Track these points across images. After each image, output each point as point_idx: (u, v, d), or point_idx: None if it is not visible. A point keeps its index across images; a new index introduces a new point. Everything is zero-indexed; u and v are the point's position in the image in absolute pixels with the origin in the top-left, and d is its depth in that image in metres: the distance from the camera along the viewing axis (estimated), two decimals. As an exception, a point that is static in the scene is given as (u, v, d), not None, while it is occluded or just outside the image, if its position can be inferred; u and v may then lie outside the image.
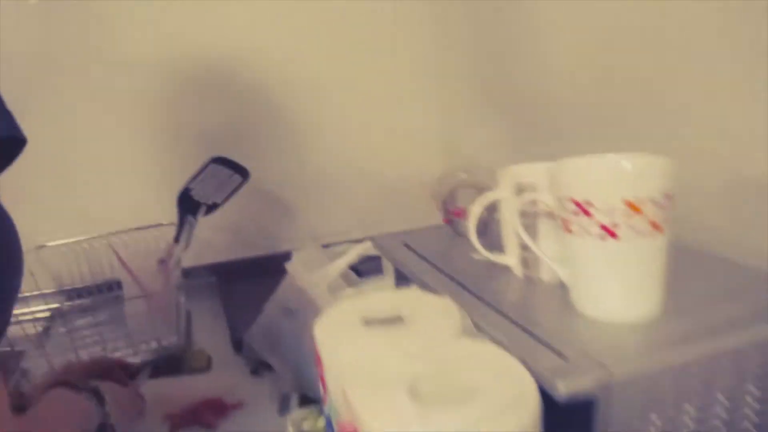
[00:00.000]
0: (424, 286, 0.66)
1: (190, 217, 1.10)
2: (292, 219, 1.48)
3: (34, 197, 1.32)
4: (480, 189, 0.73)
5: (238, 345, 1.07)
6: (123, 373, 0.87)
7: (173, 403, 0.92)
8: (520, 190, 0.62)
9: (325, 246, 1.39)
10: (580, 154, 0.56)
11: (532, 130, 1.20)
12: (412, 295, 0.60)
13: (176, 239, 1.11)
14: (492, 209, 0.69)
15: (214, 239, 1.43)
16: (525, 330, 0.53)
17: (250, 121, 1.43)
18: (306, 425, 0.82)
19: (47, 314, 1.30)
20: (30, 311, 1.25)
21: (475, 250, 0.68)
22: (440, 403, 0.43)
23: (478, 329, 0.54)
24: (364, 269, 0.95)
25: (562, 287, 0.59)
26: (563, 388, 0.46)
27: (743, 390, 0.51)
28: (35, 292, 1.27)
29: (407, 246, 0.79)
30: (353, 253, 0.87)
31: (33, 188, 1.32)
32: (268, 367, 0.99)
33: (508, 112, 1.29)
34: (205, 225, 1.32)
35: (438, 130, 1.54)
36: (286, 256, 1.46)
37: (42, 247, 1.29)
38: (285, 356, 0.98)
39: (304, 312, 0.96)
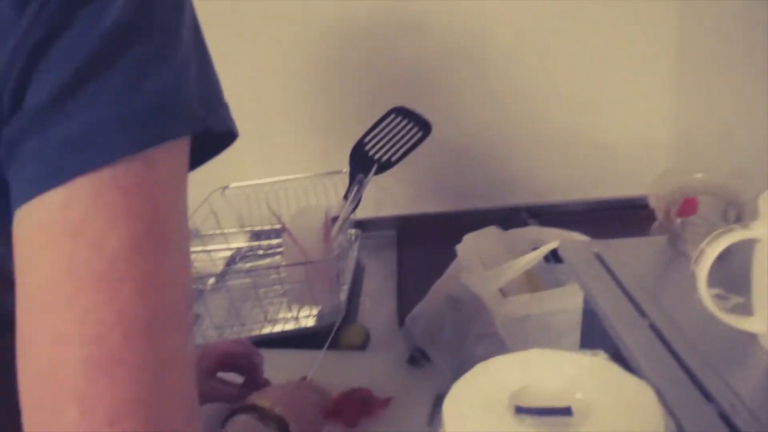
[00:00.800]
0: (614, 337, 0.47)
1: (360, 176, 0.99)
2: (483, 175, 1.31)
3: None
4: (724, 200, 0.51)
5: (402, 321, 0.96)
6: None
7: (321, 383, 0.84)
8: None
9: (514, 209, 1.25)
10: None
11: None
12: (596, 367, 0.42)
13: (345, 197, 1.01)
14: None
15: (397, 190, 1.32)
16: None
17: (442, 69, 1.26)
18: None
19: (228, 254, 1.30)
20: (211, 249, 1.25)
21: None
22: None
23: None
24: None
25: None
26: None
27: None
28: (217, 231, 1.27)
29: (600, 259, 0.60)
30: (534, 255, 0.69)
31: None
32: (427, 357, 0.87)
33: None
34: (388, 174, 1.21)
35: (672, 106, 1.24)
36: (475, 214, 1.33)
37: (226, 188, 1.28)
38: (445, 350, 0.85)
39: (471, 306, 0.81)
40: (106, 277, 0.30)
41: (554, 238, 0.77)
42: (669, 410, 0.37)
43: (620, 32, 1.22)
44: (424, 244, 1.26)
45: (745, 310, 0.45)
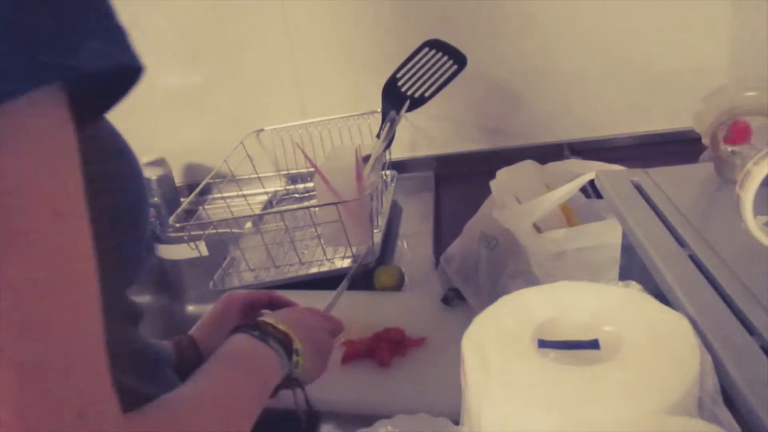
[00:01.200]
0: (651, 270, 0.44)
1: (392, 113, 0.96)
2: (522, 110, 1.26)
3: (256, 82, 1.28)
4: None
5: (438, 262, 0.94)
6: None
7: (355, 323, 0.84)
8: None
9: (556, 146, 1.20)
10: None
11: None
12: (627, 298, 0.39)
13: (378, 135, 0.99)
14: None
15: (432, 129, 1.28)
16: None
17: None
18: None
19: (265, 198, 1.29)
20: (247, 194, 1.25)
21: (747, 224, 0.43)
22: None
23: (730, 393, 0.32)
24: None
25: None
26: None
27: None
28: (253, 176, 1.26)
29: (638, 189, 0.56)
30: (570, 187, 0.66)
31: (255, 73, 1.27)
32: (461, 296, 0.85)
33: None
34: (423, 113, 1.17)
35: (725, 31, 1.15)
36: (514, 152, 1.28)
37: (260, 131, 1.27)
38: (479, 289, 0.82)
39: (504, 243, 0.78)
40: None
41: (593, 170, 0.73)
42: (706, 343, 0.34)
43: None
44: (461, 184, 1.22)
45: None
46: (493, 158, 1.27)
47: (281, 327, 0.57)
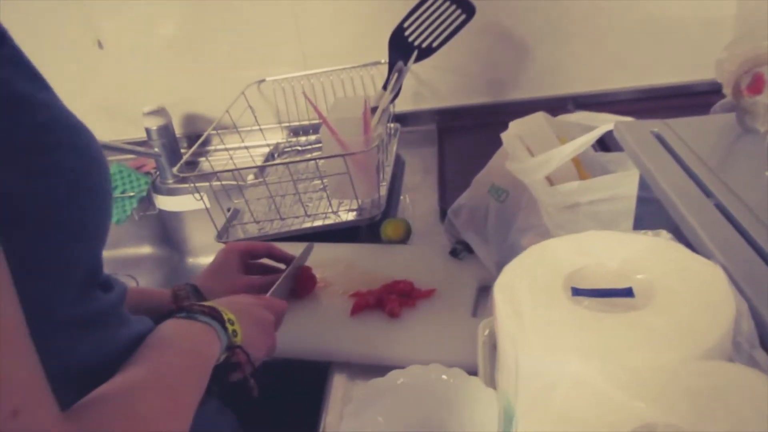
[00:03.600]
0: (677, 220, 0.44)
1: (400, 63, 0.94)
2: (530, 61, 1.24)
3: (257, 31, 1.25)
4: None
5: (443, 214, 0.94)
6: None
7: (362, 276, 0.84)
8: None
9: (563, 99, 1.19)
10: None
11: None
12: (658, 247, 0.39)
13: (384, 86, 0.97)
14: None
15: (436, 81, 1.26)
16: None
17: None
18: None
19: (266, 150, 1.28)
20: (250, 146, 1.23)
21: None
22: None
23: (763, 337, 0.32)
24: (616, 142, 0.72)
25: None
26: None
27: None
28: (255, 127, 1.25)
29: (660, 139, 0.55)
30: (585, 139, 0.65)
31: (256, 22, 1.24)
32: (469, 249, 0.85)
33: None
34: (427, 65, 1.15)
35: None
36: (520, 105, 1.27)
37: (262, 81, 1.25)
38: (489, 241, 0.82)
39: (516, 195, 0.78)
40: None
41: (606, 122, 0.72)
42: (740, 290, 0.34)
43: None
44: (465, 137, 1.21)
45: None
46: (496, 112, 1.26)
47: (207, 304, 0.56)
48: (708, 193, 0.45)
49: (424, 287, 0.80)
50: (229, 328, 0.54)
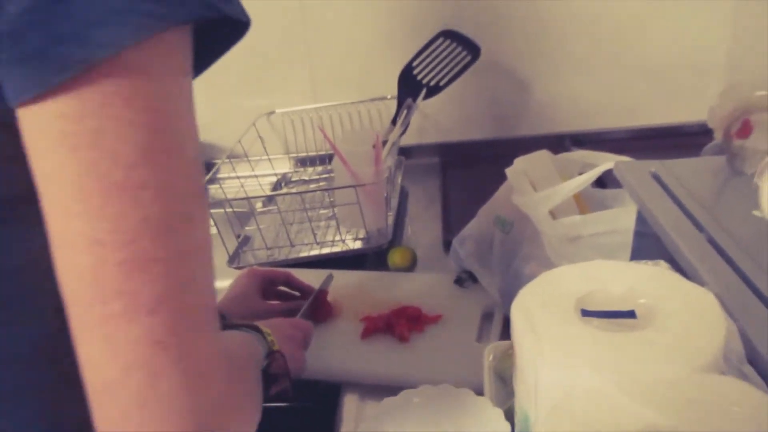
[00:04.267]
0: (673, 252, 0.48)
1: (409, 100, 0.99)
2: (531, 100, 1.30)
3: (266, 65, 1.31)
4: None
5: (447, 245, 0.98)
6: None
7: (371, 301, 0.88)
8: None
9: (561, 137, 1.25)
10: None
11: None
12: (658, 275, 0.43)
13: (393, 121, 1.02)
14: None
15: (440, 117, 1.32)
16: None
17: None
18: (507, 360, 0.72)
19: (274, 179, 1.32)
20: (258, 174, 1.27)
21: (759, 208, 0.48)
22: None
23: (751, 355, 0.37)
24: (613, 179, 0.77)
25: None
26: None
27: None
28: (264, 157, 1.29)
29: (657, 179, 0.60)
30: (587, 177, 0.70)
31: (265, 55, 1.30)
32: (474, 279, 0.89)
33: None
34: (432, 101, 1.21)
35: (725, 29, 1.20)
36: (520, 141, 1.33)
37: (272, 113, 1.30)
38: (493, 270, 0.87)
39: (521, 227, 0.83)
40: (126, 186, 0.32)
41: (606, 161, 0.77)
42: (729, 314, 0.39)
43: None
44: (467, 170, 1.27)
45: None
46: (498, 147, 1.32)
47: (237, 322, 0.60)
48: (701, 228, 0.50)
49: (431, 313, 0.84)
50: (268, 337, 0.58)
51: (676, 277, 0.43)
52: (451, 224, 1.07)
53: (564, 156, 0.86)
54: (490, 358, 0.70)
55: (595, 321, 0.39)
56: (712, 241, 0.48)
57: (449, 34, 1.02)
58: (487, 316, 0.85)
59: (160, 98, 0.33)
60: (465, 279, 0.91)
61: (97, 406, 0.35)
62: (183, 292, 0.34)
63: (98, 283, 0.33)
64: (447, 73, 1.02)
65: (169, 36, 0.33)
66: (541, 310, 0.41)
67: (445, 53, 1.02)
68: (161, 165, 0.33)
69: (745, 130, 0.61)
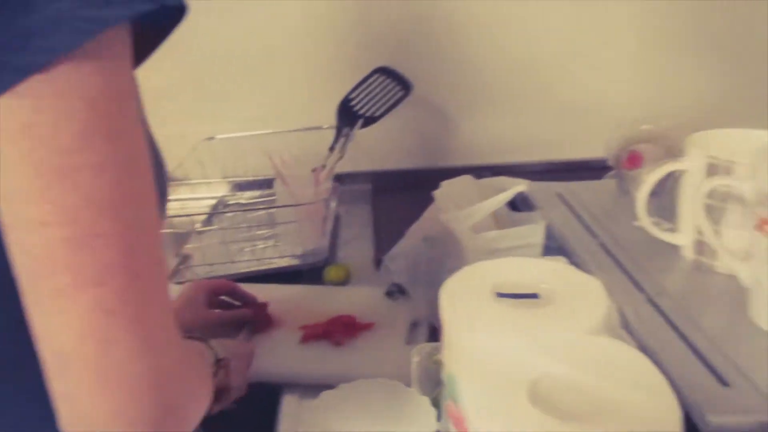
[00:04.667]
0: (572, 253, 0.59)
1: (347, 129, 1.08)
2: (457, 134, 1.42)
3: (207, 91, 1.37)
4: (665, 147, 0.63)
5: (378, 263, 1.07)
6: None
7: (308, 312, 0.94)
8: (712, 167, 0.52)
9: (482, 168, 1.36)
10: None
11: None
12: (557, 267, 0.53)
13: (331, 148, 1.11)
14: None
15: (373, 146, 1.41)
16: (681, 335, 0.45)
17: (421, 32, 1.35)
18: (432, 359, 0.80)
19: (212, 202, 1.37)
20: (197, 197, 1.32)
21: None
22: (564, 413, 0.37)
23: (625, 324, 0.47)
24: (524, 203, 0.88)
25: (738, 285, 0.50)
26: (715, 421, 0.38)
27: None
28: (202, 180, 1.34)
29: (562, 198, 0.71)
30: (504, 196, 0.81)
31: (207, 82, 1.36)
32: (403, 291, 0.98)
33: (733, 58, 1.10)
34: (365, 132, 1.30)
35: (638, 65, 1.36)
36: (446, 171, 1.43)
37: (211, 138, 1.36)
38: (421, 283, 0.96)
39: (445, 243, 0.92)
40: (64, 169, 0.34)
41: (519, 185, 0.88)
42: (610, 294, 0.49)
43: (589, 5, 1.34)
44: (396, 195, 1.36)
45: (673, 231, 0.57)
46: (425, 176, 1.41)
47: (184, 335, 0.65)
48: (594, 235, 0.61)
49: (365, 321, 0.92)
50: (214, 348, 0.62)
51: (572, 269, 0.53)
52: (382, 243, 1.15)
53: (485, 181, 0.97)
54: (417, 357, 0.78)
55: (508, 301, 0.48)
56: (602, 245, 0.59)
57: (384, 71, 1.12)
58: (414, 324, 0.93)
59: (97, 87, 0.35)
60: (395, 292, 0.99)
61: (53, 378, 0.36)
62: (130, 263, 0.36)
63: (48, 260, 0.34)
64: (382, 105, 1.11)
65: (108, 32, 0.34)
66: (464, 292, 0.50)
67: (380, 87, 1.12)
68: (98, 149, 0.35)
69: (633, 159, 0.73)
